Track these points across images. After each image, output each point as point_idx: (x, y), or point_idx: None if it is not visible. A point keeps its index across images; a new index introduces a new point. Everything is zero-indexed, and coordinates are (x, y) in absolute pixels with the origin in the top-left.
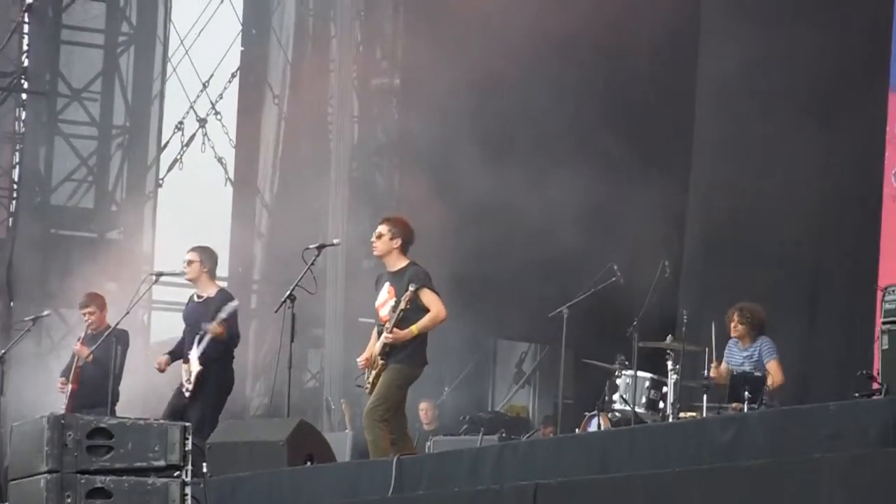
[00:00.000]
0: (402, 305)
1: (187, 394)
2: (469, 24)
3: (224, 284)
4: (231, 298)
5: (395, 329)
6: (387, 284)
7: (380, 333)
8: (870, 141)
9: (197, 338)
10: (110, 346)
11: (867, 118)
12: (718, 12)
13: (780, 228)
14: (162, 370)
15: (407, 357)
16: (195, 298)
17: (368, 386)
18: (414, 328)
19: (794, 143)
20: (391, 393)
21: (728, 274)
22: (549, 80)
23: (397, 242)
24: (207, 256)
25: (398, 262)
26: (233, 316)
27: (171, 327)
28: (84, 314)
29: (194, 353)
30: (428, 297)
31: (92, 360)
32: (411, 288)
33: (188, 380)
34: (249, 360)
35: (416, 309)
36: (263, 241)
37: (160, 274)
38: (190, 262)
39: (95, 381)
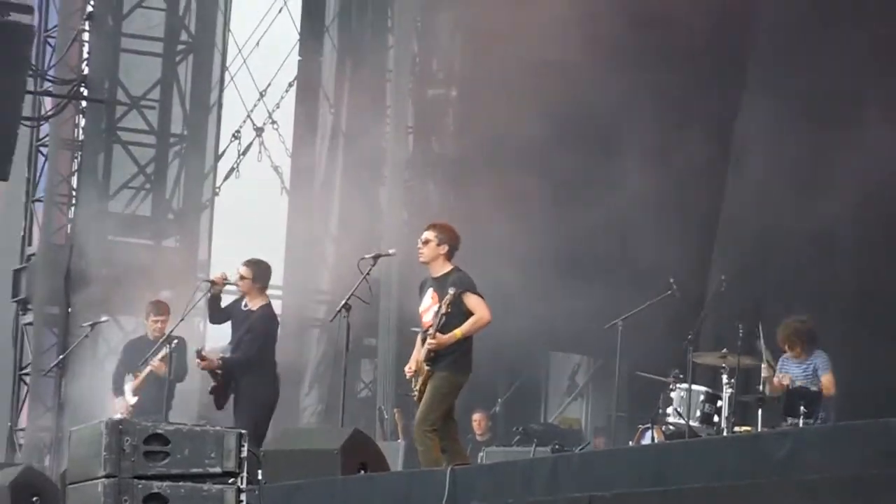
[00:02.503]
0: (443, 309)
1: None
2: (525, 35)
3: (279, 293)
4: (269, 316)
5: (437, 334)
6: (430, 290)
7: (424, 340)
8: None
9: (231, 346)
10: (168, 356)
11: None
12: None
13: (831, 240)
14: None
15: (452, 364)
16: (242, 305)
17: (416, 393)
18: (457, 332)
19: (844, 151)
20: (438, 402)
21: (782, 287)
22: (605, 89)
23: (444, 248)
24: (260, 273)
25: (442, 268)
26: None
27: (226, 334)
28: (157, 322)
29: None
30: (472, 300)
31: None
32: (451, 291)
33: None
34: (304, 368)
35: (459, 314)
36: (318, 250)
37: (214, 282)
38: (242, 278)
39: (158, 392)
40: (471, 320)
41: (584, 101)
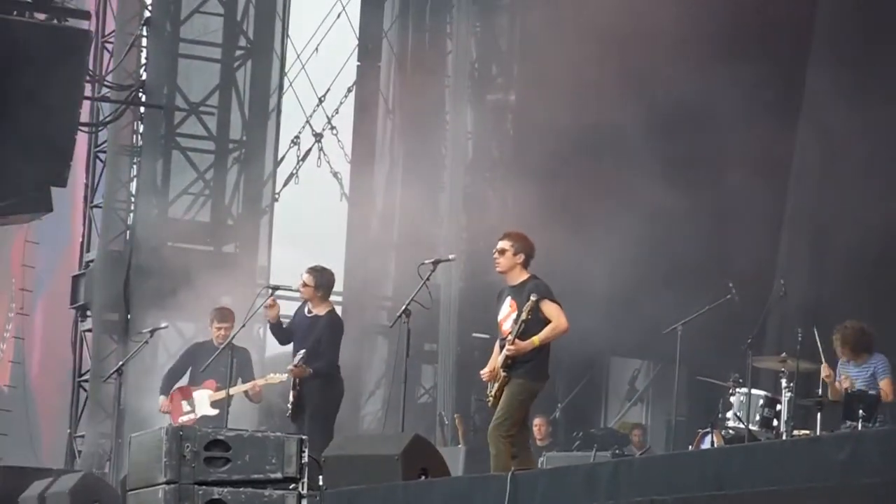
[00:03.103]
0: (523, 316)
1: (288, 411)
2: (584, 39)
3: (339, 299)
4: (337, 323)
5: (516, 340)
6: (508, 298)
7: (502, 347)
8: None
9: (301, 352)
10: (230, 365)
11: None
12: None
13: (893, 244)
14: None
15: (529, 371)
16: (306, 311)
17: (491, 398)
18: (535, 339)
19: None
20: (515, 407)
21: (842, 291)
22: (666, 94)
23: (520, 258)
24: (323, 281)
25: (520, 277)
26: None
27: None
28: (221, 329)
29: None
30: (549, 308)
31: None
32: (533, 297)
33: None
34: (365, 374)
35: (538, 321)
36: (378, 255)
37: (276, 288)
38: (304, 285)
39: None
40: (549, 328)
41: (645, 104)
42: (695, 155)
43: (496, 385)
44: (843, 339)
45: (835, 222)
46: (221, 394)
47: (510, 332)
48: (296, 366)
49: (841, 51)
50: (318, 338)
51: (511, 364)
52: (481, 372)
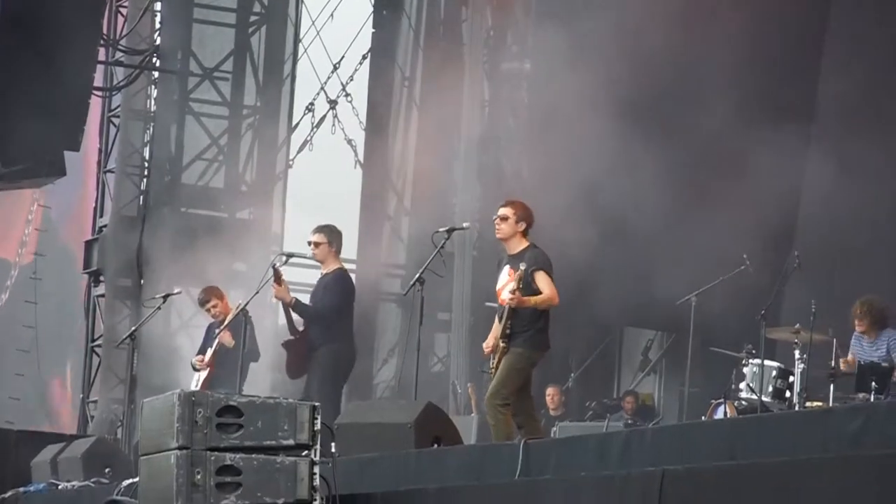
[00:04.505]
0: (513, 286)
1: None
2: (600, 7)
3: (352, 267)
4: (343, 277)
5: (517, 292)
6: (507, 267)
7: (501, 317)
8: None
9: (281, 256)
10: (241, 327)
11: None
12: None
13: None
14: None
15: (528, 340)
16: (321, 275)
17: (493, 370)
18: (533, 299)
19: None
20: (511, 377)
21: (856, 264)
22: (679, 64)
23: (522, 226)
24: (334, 236)
25: (519, 245)
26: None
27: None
28: (208, 309)
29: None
30: (542, 280)
31: (234, 345)
32: (522, 267)
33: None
34: (378, 343)
35: (531, 292)
36: (392, 223)
37: (290, 255)
38: (317, 244)
39: (233, 366)
40: (542, 296)
41: (661, 74)
42: (711, 128)
43: (497, 356)
44: (864, 312)
45: (851, 196)
46: (210, 353)
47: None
48: (277, 283)
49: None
50: (322, 289)
51: (510, 335)
52: (483, 344)
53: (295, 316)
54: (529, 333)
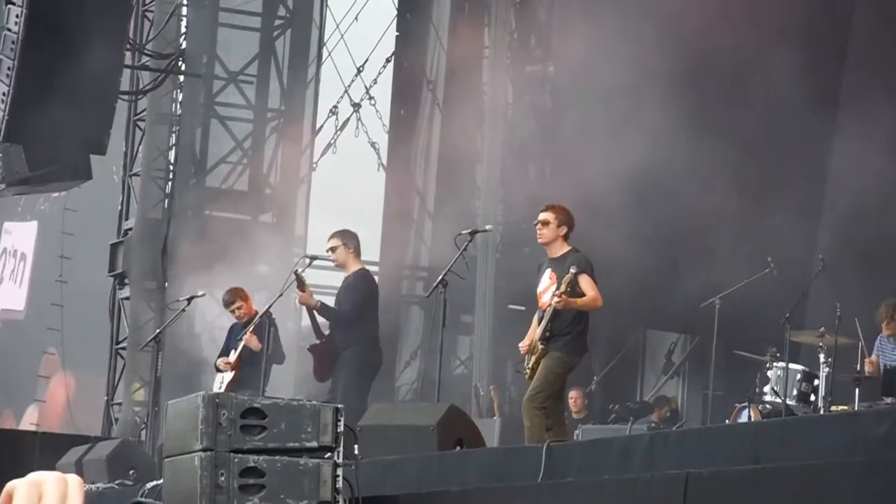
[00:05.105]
0: (562, 288)
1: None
2: (624, 11)
3: (375, 269)
4: (366, 278)
5: (562, 294)
6: (548, 271)
7: (540, 320)
8: None
9: (305, 258)
10: (265, 330)
11: None
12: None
13: None
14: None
15: (567, 344)
16: (344, 279)
17: (528, 371)
18: (580, 301)
19: None
20: (551, 381)
21: (882, 267)
22: (703, 68)
23: (563, 230)
24: (349, 238)
25: (561, 249)
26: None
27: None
28: (233, 311)
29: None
30: (586, 283)
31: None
32: (573, 270)
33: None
34: (400, 345)
35: (575, 295)
36: (415, 226)
37: (314, 257)
38: (334, 249)
39: (257, 368)
40: (587, 298)
41: (686, 73)
42: (734, 130)
43: (533, 357)
44: (891, 314)
45: (877, 198)
46: (235, 355)
47: (549, 305)
48: (301, 290)
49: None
50: (345, 290)
51: (549, 337)
52: (520, 344)
53: (320, 319)
54: (569, 337)
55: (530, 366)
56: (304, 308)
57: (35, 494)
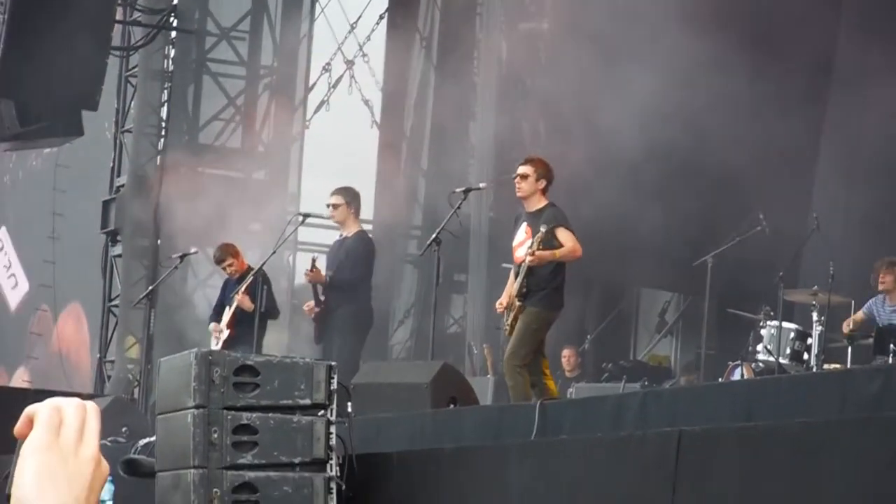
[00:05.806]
0: (534, 246)
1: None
2: None
3: (369, 227)
4: (366, 241)
5: (535, 251)
6: (524, 224)
7: (517, 275)
8: None
9: (329, 273)
10: (257, 287)
11: None
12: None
13: None
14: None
15: (543, 299)
16: (338, 237)
17: (507, 328)
18: (556, 252)
19: None
20: (528, 337)
21: (876, 227)
22: (698, 30)
23: (542, 183)
24: (353, 198)
25: (538, 203)
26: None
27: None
28: (224, 268)
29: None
30: (563, 234)
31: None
32: (542, 229)
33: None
34: (393, 303)
35: (552, 248)
36: (409, 183)
37: (307, 215)
38: (336, 206)
39: (251, 326)
40: (565, 248)
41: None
42: (728, 92)
43: (511, 314)
44: (884, 272)
45: (871, 156)
46: (228, 315)
47: (523, 260)
48: (311, 270)
49: None
50: (345, 253)
51: (525, 293)
52: (496, 303)
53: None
54: (545, 292)
55: (509, 322)
56: (297, 263)
57: (56, 418)
